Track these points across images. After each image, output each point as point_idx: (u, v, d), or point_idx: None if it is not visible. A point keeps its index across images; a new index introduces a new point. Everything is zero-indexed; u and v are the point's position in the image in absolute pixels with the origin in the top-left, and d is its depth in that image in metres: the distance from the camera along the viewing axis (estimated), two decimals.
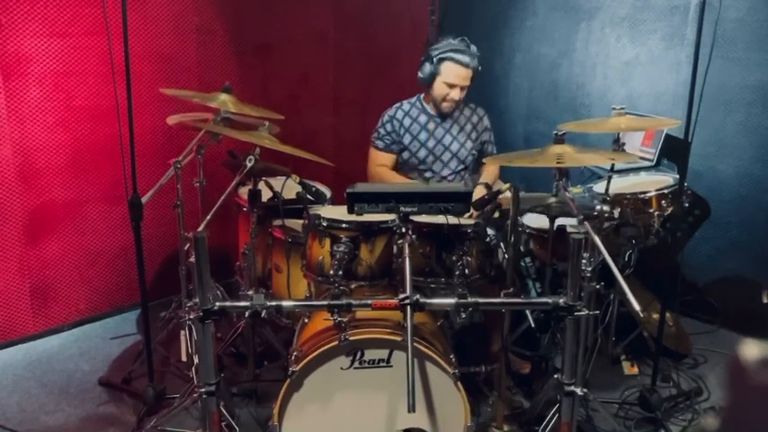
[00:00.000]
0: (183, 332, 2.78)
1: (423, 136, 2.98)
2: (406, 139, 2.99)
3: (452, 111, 2.96)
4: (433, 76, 2.86)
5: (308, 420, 2.04)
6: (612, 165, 2.50)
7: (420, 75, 2.90)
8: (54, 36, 2.99)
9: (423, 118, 3.00)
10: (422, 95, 3.04)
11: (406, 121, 2.99)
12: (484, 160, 2.84)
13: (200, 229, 1.85)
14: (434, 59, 2.83)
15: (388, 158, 3.04)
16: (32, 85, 2.97)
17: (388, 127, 3.01)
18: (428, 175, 3.02)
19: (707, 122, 3.09)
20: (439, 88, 2.87)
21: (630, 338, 2.93)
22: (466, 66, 2.81)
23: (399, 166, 3.07)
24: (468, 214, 2.27)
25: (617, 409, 2.61)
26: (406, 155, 3.02)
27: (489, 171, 3.05)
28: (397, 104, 3.05)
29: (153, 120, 3.24)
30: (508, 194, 2.19)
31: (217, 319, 1.79)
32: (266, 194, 2.57)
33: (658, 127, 3.22)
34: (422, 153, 2.99)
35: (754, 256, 3.24)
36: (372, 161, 3.06)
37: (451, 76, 2.82)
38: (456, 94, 2.85)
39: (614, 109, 2.45)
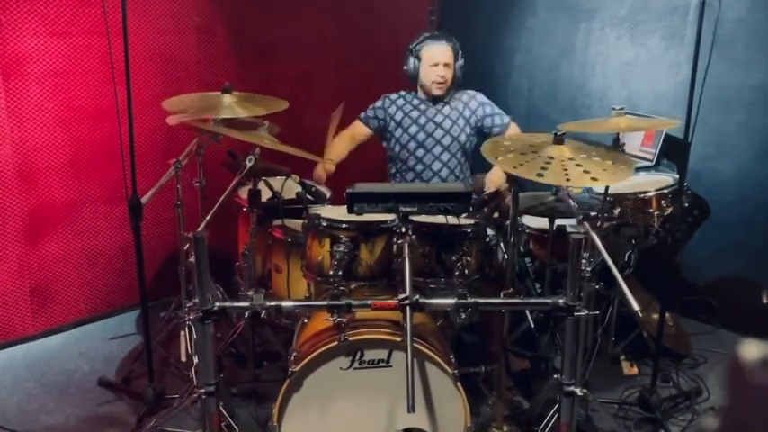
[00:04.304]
0: (182, 332, 2.78)
1: (414, 114, 3.07)
2: (398, 116, 3.08)
3: (445, 93, 3.02)
4: (416, 66, 3.01)
5: (308, 421, 2.04)
6: None
7: (405, 68, 3.04)
8: (54, 36, 2.99)
9: (416, 101, 3.11)
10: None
11: (400, 102, 3.12)
12: (493, 137, 2.83)
13: (200, 229, 1.85)
14: (414, 51, 2.99)
15: (360, 129, 3.14)
16: (32, 84, 2.97)
17: (378, 104, 3.15)
18: (420, 153, 3.04)
19: (707, 123, 3.09)
20: (425, 73, 2.99)
21: (630, 338, 2.93)
22: (440, 43, 2.97)
23: (394, 145, 3.10)
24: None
25: (617, 410, 2.61)
26: (398, 132, 3.08)
27: (493, 180, 2.93)
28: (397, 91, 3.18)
29: (153, 120, 3.24)
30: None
31: (216, 320, 1.79)
32: (266, 194, 2.57)
33: (658, 127, 3.22)
34: (413, 129, 3.06)
35: (754, 256, 3.24)
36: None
37: (432, 56, 2.96)
38: (441, 71, 2.96)
39: (614, 109, 2.45)
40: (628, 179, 2.11)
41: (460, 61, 3.00)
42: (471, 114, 3.05)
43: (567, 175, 1.94)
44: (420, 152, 3.05)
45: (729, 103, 3.23)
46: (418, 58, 2.98)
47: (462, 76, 3.04)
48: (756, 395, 0.69)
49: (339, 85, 4.16)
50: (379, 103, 3.14)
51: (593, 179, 1.96)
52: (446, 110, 3.06)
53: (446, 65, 2.95)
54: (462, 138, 3.04)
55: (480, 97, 3.09)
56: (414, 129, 3.05)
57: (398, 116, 3.08)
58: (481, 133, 3.07)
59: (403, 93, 3.15)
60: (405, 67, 3.03)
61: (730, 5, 3.07)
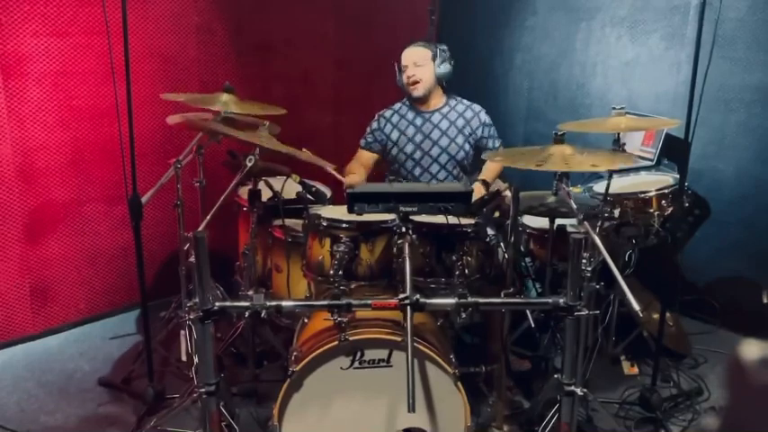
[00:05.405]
0: (182, 332, 2.79)
1: (410, 131, 3.04)
2: (394, 135, 3.05)
3: (422, 94, 3.00)
4: (400, 77, 3.03)
5: (308, 421, 2.04)
6: None
7: (397, 82, 3.08)
8: (54, 35, 2.99)
9: (410, 114, 3.07)
10: None
11: (394, 118, 3.08)
12: (483, 156, 2.86)
13: (200, 228, 1.84)
14: (398, 64, 3.05)
15: (366, 156, 3.12)
16: (32, 84, 2.97)
17: (374, 125, 3.11)
18: (417, 171, 3.04)
19: (707, 122, 3.09)
20: (404, 80, 3.02)
21: (630, 338, 2.92)
22: (411, 47, 2.99)
23: (392, 163, 3.10)
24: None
25: (617, 409, 2.61)
26: (394, 151, 3.06)
27: (489, 168, 3.05)
28: (391, 105, 3.14)
29: (153, 120, 3.25)
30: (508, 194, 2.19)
31: (216, 320, 1.79)
32: (266, 194, 2.56)
33: (658, 127, 3.22)
34: (409, 148, 3.04)
35: (754, 256, 3.24)
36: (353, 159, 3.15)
37: (402, 60, 3.01)
38: (411, 71, 2.97)
39: (614, 109, 2.45)
40: (628, 179, 2.11)
41: (442, 64, 2.96)
42: (471, 132, 3.05)
43: (567, 163, 1.95)
44: (417, 171, 3.04)
45: (729, 103, 3.23)
46: (400, 68, 3.02)
47: (450, 79, 3.02)
48: (756, 395, 0.69)
49: (339, 85, 4.16)
50: (374, 125, 3.11)
51: (594, 165, 1.97)
52: (443, 124, 3.03)
53: (416, 65, 2.96)
54: (460, 155, 3.04)
55: (484, 116, 3.07)
56: (410, 147, 3.03)
57: (394, 135, 3.05)
58: (476, 148, 3.10)
59: (396, 106, 3.11)
60: (397, 82, 3.08)
61: (730, 5, 3.07)
